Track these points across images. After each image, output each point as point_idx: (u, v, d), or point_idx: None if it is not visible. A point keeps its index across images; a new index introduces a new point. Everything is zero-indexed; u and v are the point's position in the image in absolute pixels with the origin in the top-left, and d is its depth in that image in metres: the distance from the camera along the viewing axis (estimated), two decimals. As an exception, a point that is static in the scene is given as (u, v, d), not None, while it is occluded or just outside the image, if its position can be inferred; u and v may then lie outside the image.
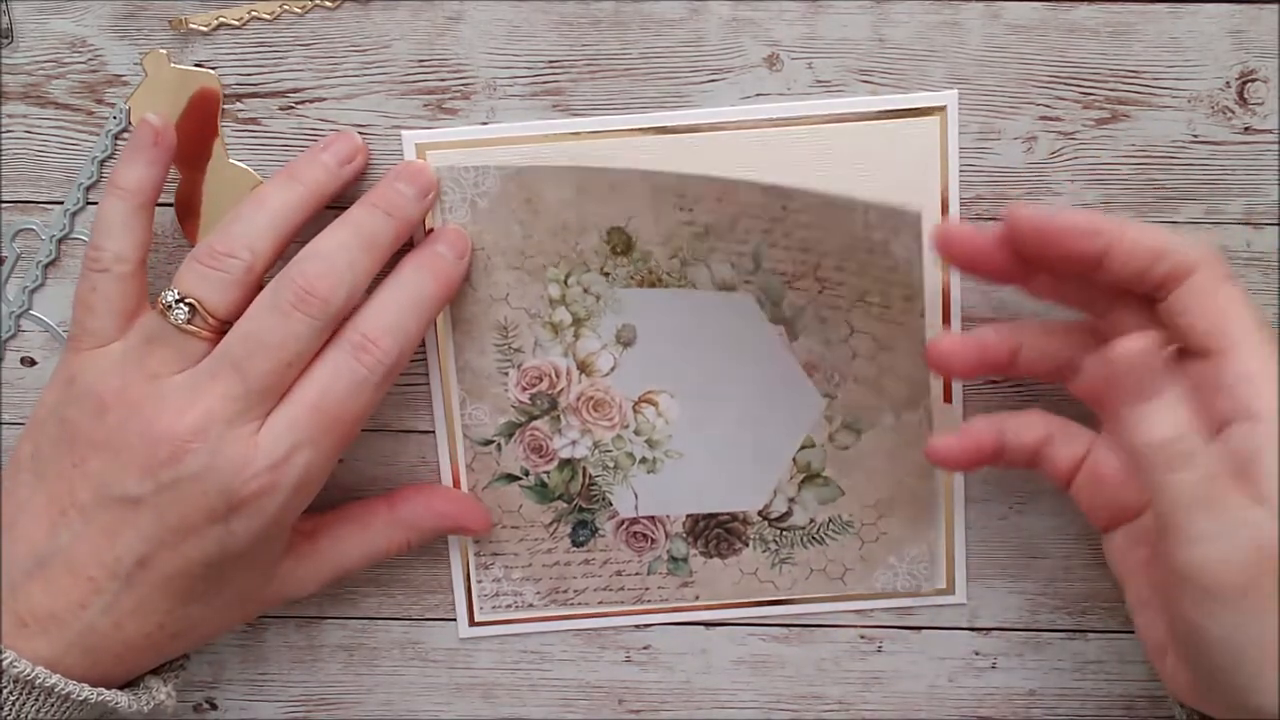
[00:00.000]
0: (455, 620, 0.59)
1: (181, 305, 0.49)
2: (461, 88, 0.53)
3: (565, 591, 0.58)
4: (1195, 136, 0.53)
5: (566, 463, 0.56)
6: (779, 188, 0.52)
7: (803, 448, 0.56)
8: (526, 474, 0.56)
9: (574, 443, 0.56)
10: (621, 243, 0.53)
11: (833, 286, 0.54)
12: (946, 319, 0.54)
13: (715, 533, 0.57)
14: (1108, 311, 0.49)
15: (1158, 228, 0.47)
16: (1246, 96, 0.52)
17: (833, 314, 0.54)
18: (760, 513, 0.56)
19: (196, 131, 0.53)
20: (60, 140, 0.53)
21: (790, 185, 0.52)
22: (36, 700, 0.48)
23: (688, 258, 0.53)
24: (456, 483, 0.56)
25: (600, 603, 0.58)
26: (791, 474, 0.56)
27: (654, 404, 0.55)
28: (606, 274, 0.54)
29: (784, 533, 0.57)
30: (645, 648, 0.59)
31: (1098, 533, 0.52)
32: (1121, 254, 0.47)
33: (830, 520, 0.56)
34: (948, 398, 0.55)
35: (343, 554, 0.54)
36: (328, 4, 0.52)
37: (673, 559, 0.57)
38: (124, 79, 0.53)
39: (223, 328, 0.49)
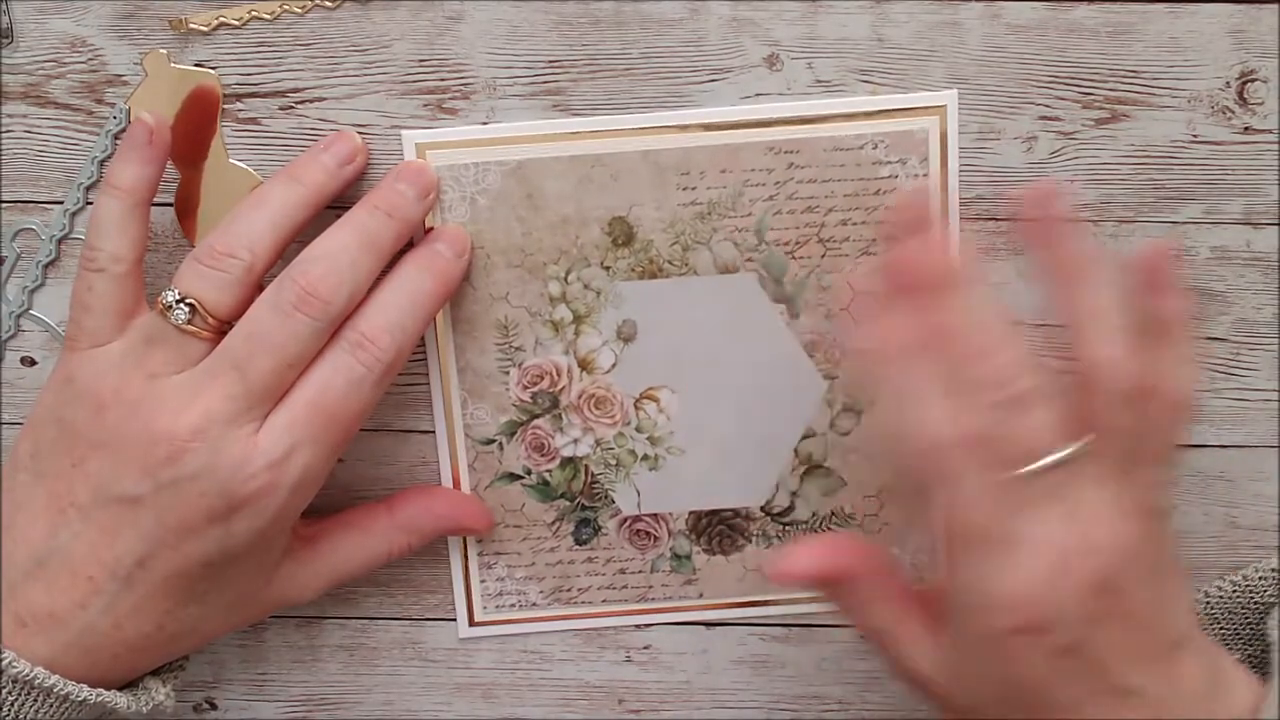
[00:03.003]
0: (455, 620, 0.59)
1: (182, 305, 0.49)
2: (461, 88, 0.53)
3: (569, 590, 0.58)
4: (1195, 136, 0.53)
5: (569, 461, 0.56)
6: (784, 142, 0.52)
7: (804, 438, 0.56)
8: (529, 473, 0.56)
9: (576, 441, 0.56)
10: (623, 233, 0.53)
11: (836, 245, 0.54)
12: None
13: (718, 529, 0.57)
14: None
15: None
16: (1246, 96, 0.52)
17: (835, 278, 0.54)
18: (763, 508, 0.57)
19: (196, 131, 0.53)
20: (60, 140, 0.53)
21: (796, 137, 0.52)
22: (35, 700, 0.48)
23: (689, 242, 0.54)
24: (456, 483, 0.56)
25: (604, 601, 0.58)
26: (794, 466, 0.56)
27: (655, 400, 0.55)
28: (607, 268, 0.54)
29: (787, 528, 0.57)
30: (645, 648, 0.59)
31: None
32: None
33: (833, 513, 0.57)
34: None
35: (343, 560, 0.54)
36: (328, 4, 0.52)
37: (676, 556, 0.57)
38: (124, 79, 0.53)
39: (223, 328, 0.49)
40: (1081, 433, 0.46)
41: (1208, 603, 0.56)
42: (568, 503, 0.57)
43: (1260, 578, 0.55)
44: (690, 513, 0.57)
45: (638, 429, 0.56)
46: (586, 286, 0.54)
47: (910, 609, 0.50)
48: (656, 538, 0.57)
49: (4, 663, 0.47)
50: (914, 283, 0.47)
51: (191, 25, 0.52)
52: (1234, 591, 0.55)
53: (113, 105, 0.53)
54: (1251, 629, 0.55)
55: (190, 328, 0.49)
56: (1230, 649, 0.56)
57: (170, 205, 0.54)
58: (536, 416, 0.56)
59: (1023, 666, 0.47)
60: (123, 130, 0.53)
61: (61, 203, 0.54)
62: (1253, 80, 0.52)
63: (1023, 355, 0.47)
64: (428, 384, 0.55)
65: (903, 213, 0.50)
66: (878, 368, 0.47)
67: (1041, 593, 0.46)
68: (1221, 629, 0.56)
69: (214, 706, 0.60)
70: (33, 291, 0.55)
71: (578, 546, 0.57)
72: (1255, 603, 0.55)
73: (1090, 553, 0.46)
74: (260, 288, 0.50)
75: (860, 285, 0.53)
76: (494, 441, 0.56)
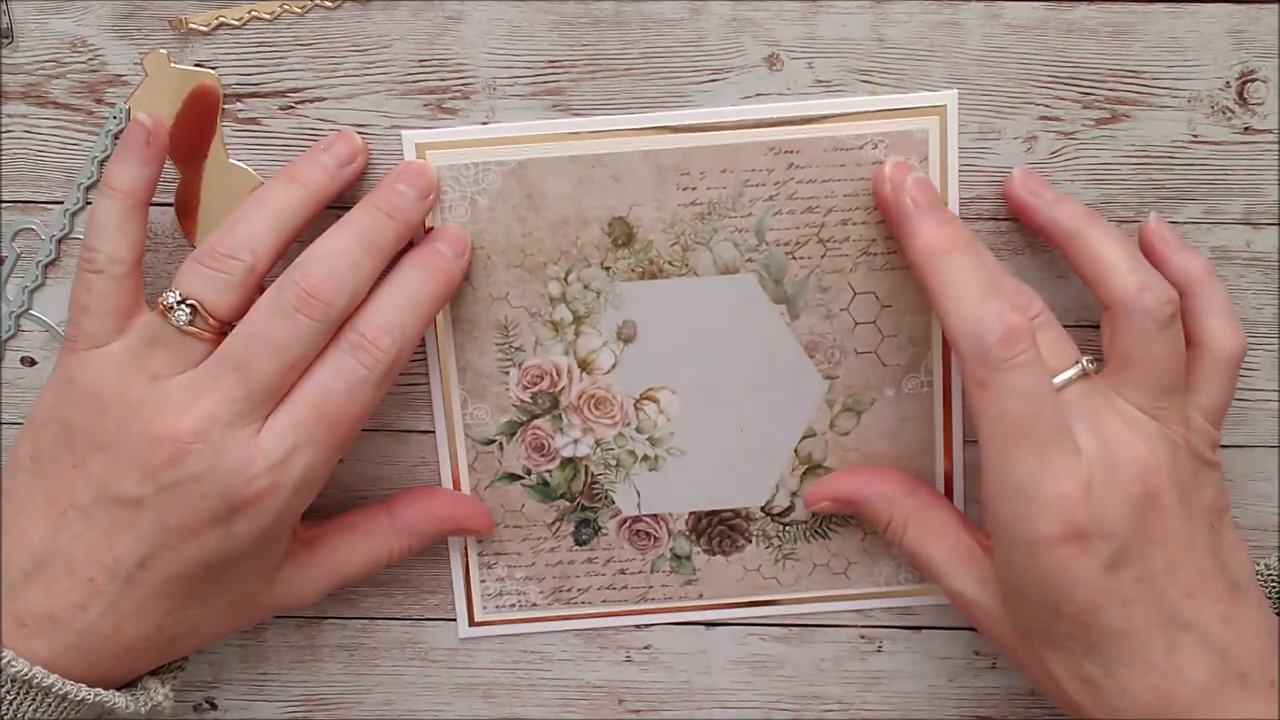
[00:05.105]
0: (455, 620, 0.59)
1: (183, 307, 0.49)
2: (461, 88, 0.53)
3: (569, 590, 0.58)
4: (1195, 136, 0.53)
5: (568, 461, 0.56)
6: (784, 142, 0.52)
7: (804, 438, 0.56)
8: (529, 473, 0.56)
9: (576, 441, 0.56)
10: (623, 234, 0.53)
11: (836, 245, 0.54)
12: None
13: (718, 530, 0.57)
14: None
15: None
16: (1246, 96, 0.52)
17: (835, 279, 0.54)
18: (763, 508, 0.57)
19: (196, 131, 0.53)
20: (60, 140, 0.53)
21: (796, 137, 0.52)
22: (34, 700, 0.48)
23: (689, 242, 0.54)
24: (456, 483, 0.56)
25: (604, 601, 0.58)
26: (793, 467, 0.56)
27: (655, 401, 0.55)
28: (607, 268, 0.54)
29: (786, 528, 0.57)
30: (645, 648, 0.59)
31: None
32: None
33: (833, 514, 0.57)
34: (947, 360, 0.55)
35: (343, 562, 0.54)
36: (328, 4, 0.52)
37: (676, 557, 0.57)
38: (124, 79, 0.53)
39: (224, 329, 0.49)
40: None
41: None
42: (568, 503, 0.57)
43: (1269, 573, 0.55)
44: (690, 513, 0.57)
45: (638, 429, 0.56)
46: (586, 287, 0.54)
47: (949, 530, 0.53)
48: (656, 538, 0.57)
49: (3, 662, 0.47)
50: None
51: (191, 25, 0.52)
52: None
53: (113, 105, 0.53)
54: None
55: (191, 329, 0.49)
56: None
57: (170, 205, 0.54)
58: (536, 417, 0.56)
59: (1071, 581, 0.47)
60: (123, 130, 0.53)
61: (61, 203, 0.54)
62: (1253, 80, 0.52)
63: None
64: (428, 384, 0.55)
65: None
66: (931, 260, 0.48)
67: (1082, 496, 0.47)
68: None
69: (214, 706, 0.60)
70: (33, 291, 0.55)
71: (578, 547, 0.57)
72: (1267, 598, 0.55)
73: (1127, 463, 0.48)
74: (261, 289, 0.50)
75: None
76: (494, 442, 0.56)
